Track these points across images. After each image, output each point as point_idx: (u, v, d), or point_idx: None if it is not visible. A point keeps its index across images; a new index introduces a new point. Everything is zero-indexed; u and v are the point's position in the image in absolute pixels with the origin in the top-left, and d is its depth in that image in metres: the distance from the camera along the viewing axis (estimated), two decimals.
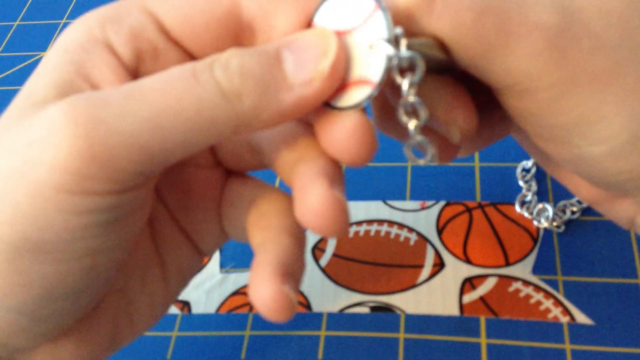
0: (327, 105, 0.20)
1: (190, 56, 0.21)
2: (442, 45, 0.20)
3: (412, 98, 0.19)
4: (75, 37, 0.20)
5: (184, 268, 0.25)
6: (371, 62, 0.19)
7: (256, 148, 0.23)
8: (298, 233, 0.23)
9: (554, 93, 0.20)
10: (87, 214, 0.18)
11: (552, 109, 0.20)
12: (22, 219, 0.18)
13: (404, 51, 0.18)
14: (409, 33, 0.19)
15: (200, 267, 0.26)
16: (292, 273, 0.21)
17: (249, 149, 0.24)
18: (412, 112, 0.19)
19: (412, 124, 0.19)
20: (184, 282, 0.25)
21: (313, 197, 0.19)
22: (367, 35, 0.19)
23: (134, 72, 0.20)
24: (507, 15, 0.19)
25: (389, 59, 0.18)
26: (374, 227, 0.38)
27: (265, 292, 0.20)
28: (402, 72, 0.18)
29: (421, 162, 0.21)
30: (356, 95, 0.19)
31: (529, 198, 0.37)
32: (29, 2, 0.58)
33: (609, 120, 0.20)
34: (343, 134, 0.19)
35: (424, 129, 0.20)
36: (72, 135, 0.17)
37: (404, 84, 0.19)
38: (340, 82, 0.19)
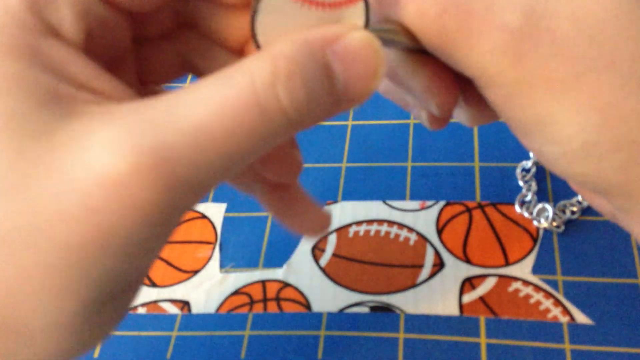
0: None
1: (134, 20, 0.20)
2: (409, 32, 0.21)
3: None
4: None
5: None
6: None
7: None
8: None
9: (509, 91, 0.20)
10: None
11: (509, 104, 0.21)
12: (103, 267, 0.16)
13: None
14: (379, 18, 0.21)
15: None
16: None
17: None
18: None
19: None
20: None
21: None
22: (344, 17, 0.19)
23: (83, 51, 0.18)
24: (471, 12, 0.20)
25: None
26: (373, 227, 0.38)
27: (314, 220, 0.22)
28: None
29: None
30: None
31: (528, 198, 0.37)
32: None
33: (563, 125, 0.20)
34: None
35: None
36: (155, 193, 0.15)
37: None
38: None
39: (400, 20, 0.21)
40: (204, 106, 0.16)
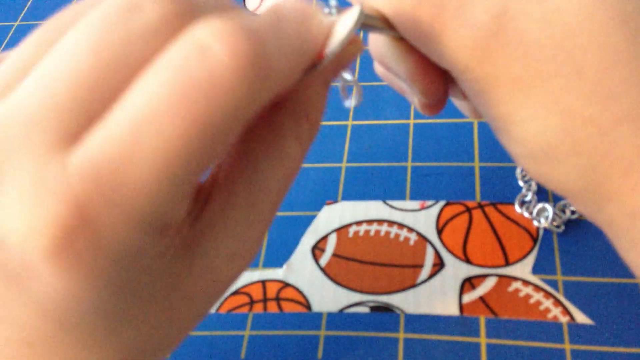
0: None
1: None
2: (390, 22, 0.22)
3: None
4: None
5: None
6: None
7: None
8: None
9: (477, 87, 0.21)
10: None
11: (478, 100, 0.21)
12: None
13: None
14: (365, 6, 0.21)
15: None
16: None
17: None
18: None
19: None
20: None
21: None
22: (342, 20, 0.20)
23: None
24: (444, 7, 0.20)
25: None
26: (373, 227, 0.38)
27: None
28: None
29: (350, 103, 0.24)
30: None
31: (528, 198, 0.37)
32: (29, 2, 0.58)
33: (526, 125, 0.20)
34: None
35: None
36: None
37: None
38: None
39: (380, 9, 0.21)
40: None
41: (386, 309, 0.34)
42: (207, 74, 0.14)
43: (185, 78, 0.14)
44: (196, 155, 0.14)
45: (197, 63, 0.14)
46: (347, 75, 0.22)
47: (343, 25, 0.20)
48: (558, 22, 0.19)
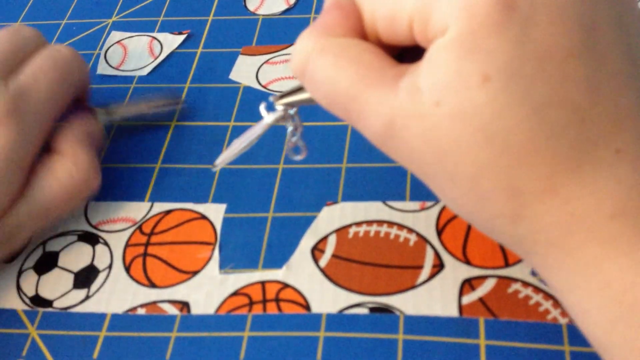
0: None
1: None
2: None
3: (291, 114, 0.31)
4: None
5: None
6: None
7: None
8: None
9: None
10: None
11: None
12: None
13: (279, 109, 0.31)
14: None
15: None
16: None
17: None
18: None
19: (290, 128, 0.31)
20: None
21: None
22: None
23: None
24: (350, 112, 0.25)
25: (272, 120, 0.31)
26: (373, 228, 0.38)
27: None
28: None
29: (298, 157, 0.33)
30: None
31: None
32: (30, 2, 0.58)
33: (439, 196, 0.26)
34: None
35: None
36: None
37: (292, 111, 0.31)
38: None
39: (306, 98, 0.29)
40: None
41: (385, 310, 0.34)
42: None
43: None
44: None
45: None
46: (293, 138, 0.31)
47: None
48: (434, 138, 0.23)
